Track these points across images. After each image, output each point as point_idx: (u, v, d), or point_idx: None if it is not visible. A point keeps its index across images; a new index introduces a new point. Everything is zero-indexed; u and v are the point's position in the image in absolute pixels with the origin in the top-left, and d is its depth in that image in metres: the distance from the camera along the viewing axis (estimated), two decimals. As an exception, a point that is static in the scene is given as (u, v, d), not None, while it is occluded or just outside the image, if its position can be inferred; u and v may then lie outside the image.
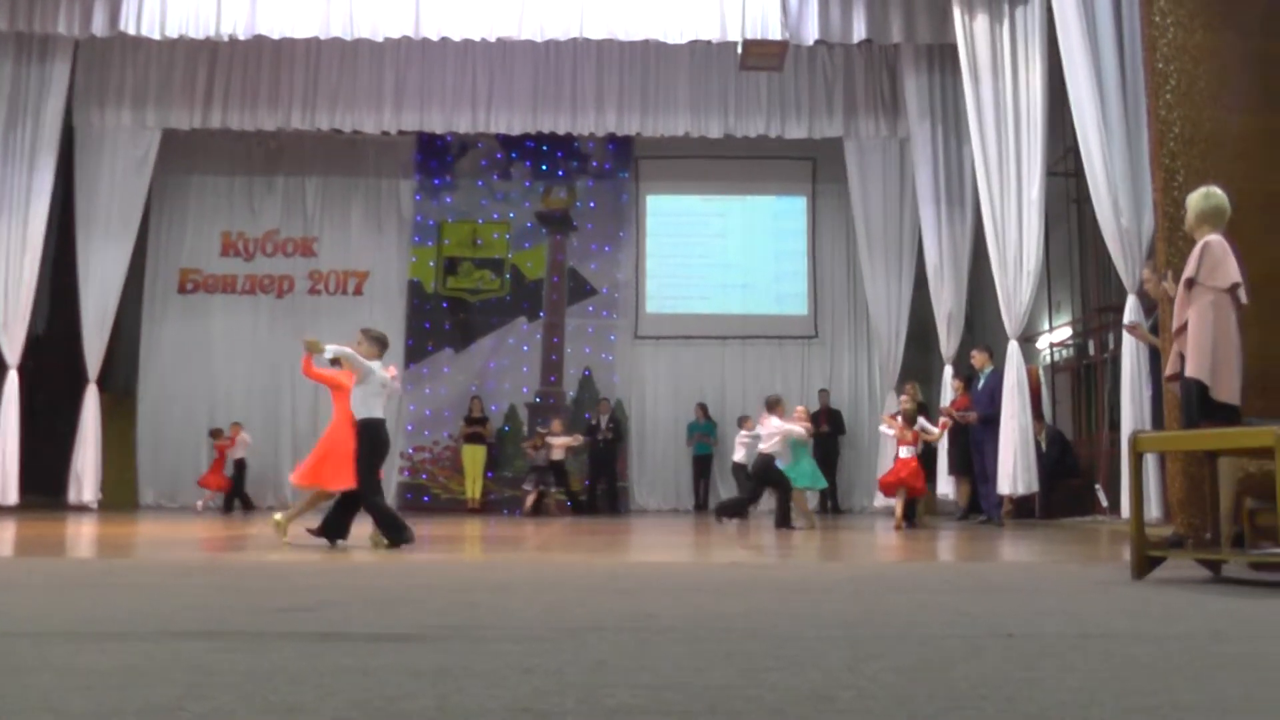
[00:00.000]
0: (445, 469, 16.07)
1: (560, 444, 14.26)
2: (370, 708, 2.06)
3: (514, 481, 15.66)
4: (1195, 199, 5.75)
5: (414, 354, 16.66)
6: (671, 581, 5.09)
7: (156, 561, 6.49)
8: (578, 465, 15.76)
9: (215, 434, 15.16)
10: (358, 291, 16.96)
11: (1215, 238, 5.50)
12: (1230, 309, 5.41)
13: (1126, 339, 9.26)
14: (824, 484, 12.43)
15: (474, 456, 15.73)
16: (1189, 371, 5.39)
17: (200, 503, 14.73)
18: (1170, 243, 6.85)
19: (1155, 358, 7.77)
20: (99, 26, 12.33)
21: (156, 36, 12.41)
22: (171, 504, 15.89)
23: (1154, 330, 7.66)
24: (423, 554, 7.16)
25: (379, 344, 7.77)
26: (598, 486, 15.96)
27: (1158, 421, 7.47)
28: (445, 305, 16.92)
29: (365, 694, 2.18)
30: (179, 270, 16.78)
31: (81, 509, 13.27)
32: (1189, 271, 5.49)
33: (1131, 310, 9.18)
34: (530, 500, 14.08)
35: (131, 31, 12.31)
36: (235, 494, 15.01)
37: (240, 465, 15.07)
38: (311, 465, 7.76)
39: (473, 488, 15.68)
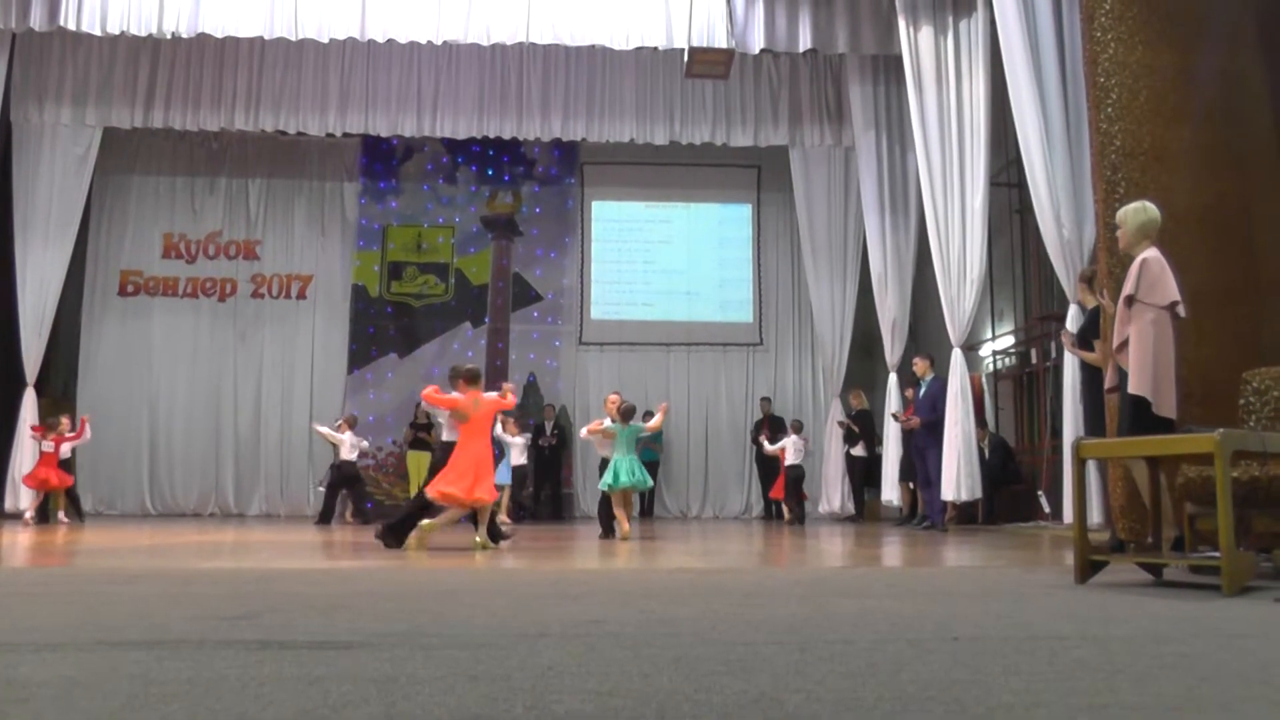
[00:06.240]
0: (389, 475, 15.95)
1: (332, 437, 13.81)
2: (316, 716, 2.03)
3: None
4: (1131, 213, 5.75)
5: (357, 359, 16.53)
6: (618, 587, 5.07)
7: (95, 569, 6.36)
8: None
9: (50, 425, 13.14)
10: (301, 295, 16.81)
11: (1153, 254, 5.56)
12: (1169, 326, 5.49)
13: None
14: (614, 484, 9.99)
15: (418, 463, 15.51)
16: (1132, 389, 5.44)
17: (29, 513, 12.69)
18: (1112, 253, 6.97)
19: (1086, 368, 7.89)
20: (37, 20, 12.11)
21: (97, 32, 12.21)
22: (111, 511, 15.67)
23: (1088, 332, 7.78)
24: (366, 560, 7.09)
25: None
26: (542, 492, 15.92)
27: (1091, 431, 7.58)
28: (389, 310, 16.80)
29: (310, 703, 2.14)
30: (119, 272, 16.55)
31: (18, 516, 12.99)
32: (1128, 289, 5.55)
33: (1073, 319, 9.31)
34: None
35: (71, 26, 12.11)
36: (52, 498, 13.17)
37: (68, 464, 13.45)
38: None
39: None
